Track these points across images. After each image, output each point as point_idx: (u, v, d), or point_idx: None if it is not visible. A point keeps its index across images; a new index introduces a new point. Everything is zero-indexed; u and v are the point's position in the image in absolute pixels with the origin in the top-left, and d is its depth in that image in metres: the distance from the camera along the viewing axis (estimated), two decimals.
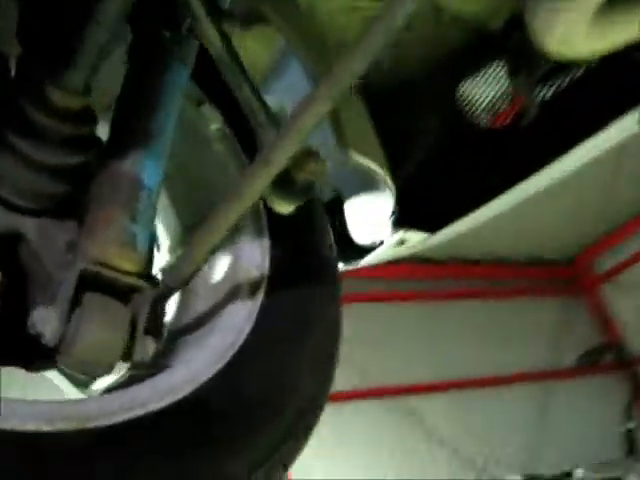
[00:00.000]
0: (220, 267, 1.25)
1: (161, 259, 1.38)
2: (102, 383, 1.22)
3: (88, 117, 1.01)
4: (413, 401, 5.53)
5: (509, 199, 1.50)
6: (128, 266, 0.97)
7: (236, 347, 1.05)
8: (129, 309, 0.95)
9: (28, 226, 1.03)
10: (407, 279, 5.74)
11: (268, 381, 1.04)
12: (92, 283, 0.94)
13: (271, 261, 1.20)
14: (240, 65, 1.00)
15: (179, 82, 1.11)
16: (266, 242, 1.22)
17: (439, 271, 5.90)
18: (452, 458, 5.44)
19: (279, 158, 0.87)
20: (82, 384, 1.21)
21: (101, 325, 0.92)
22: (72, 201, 1.04)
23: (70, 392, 1.21)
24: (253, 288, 1.15)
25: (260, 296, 1.14)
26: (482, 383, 5.75)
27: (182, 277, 0.99)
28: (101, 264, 0.95)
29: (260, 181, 0.90)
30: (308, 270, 1.24)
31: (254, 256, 1.21)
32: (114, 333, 0.92)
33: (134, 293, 0.97)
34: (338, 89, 0.83)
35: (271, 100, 1.68)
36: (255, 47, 1.62)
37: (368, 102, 1.62)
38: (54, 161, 1.00)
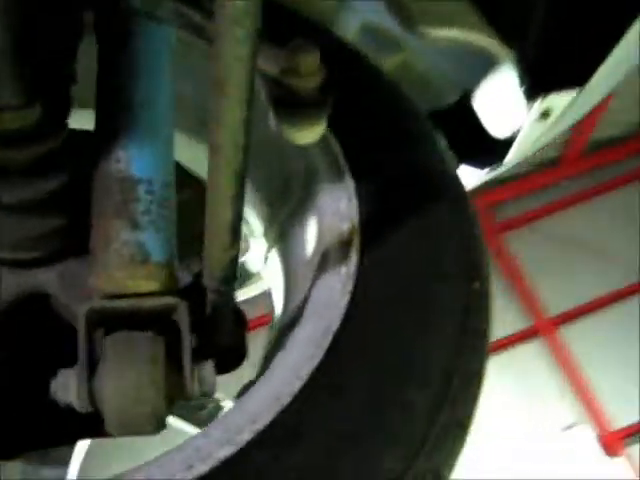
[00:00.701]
0: (309, 236, 1.00)
1: (259, 247, 1.15)
2: None
3: (44, 131, 0.79)
4: None
5: None
6: (145, 285, 0.75)
7: (329, 336, 0.77)
8: (162, 337, 0.73)
9: (45, 279, 0.85)
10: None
11: (381, 377, 0.75)
12: (110, 321, 0.74)
13: (360, 205, 0.93)
14: None
15: (159, 43, 0.87)
16: (349, 182, 0.94)
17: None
18: None
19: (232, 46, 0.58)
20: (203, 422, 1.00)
21: (129, 369, 0.70)
22: (79, 231, 0.84)
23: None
24: (343, 247, 0.87)
25: (354, 255, 0.86)
26: None
27: (215, 273, 0.74)
28: (109, 296, 0.74)
29: (230, 95, 0.61)
30: (415, 201, 0.94)
31: (337, 206, 0.92)
32: (148, 372, 0.70)
33: (168, 314, 0.75)
34: None
35: (352, 18, 1.41)
36: None
37: None
38: (26, 195, 0.80)
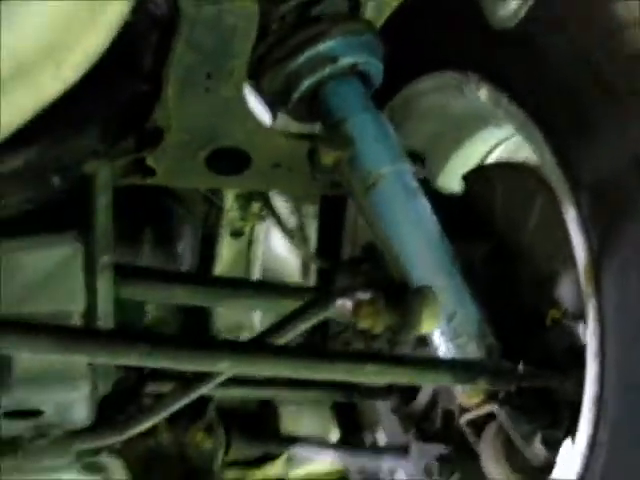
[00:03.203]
0: None
1: None
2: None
3: None
4: None
5: None
6: (475, 399, 1.13)
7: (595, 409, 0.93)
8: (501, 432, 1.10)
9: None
10: None
11: None
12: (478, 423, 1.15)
13: (589, 234, 0.94)
14: None
15: None
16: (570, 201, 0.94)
17: None
18: None
19: None
20: None
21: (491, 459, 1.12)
22: None
23: None
24: (583, 291, 0.97)
25: (592, 300, 0.92)
26: None
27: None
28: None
29: None
30: None
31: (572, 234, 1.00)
32: (499, 461, 1.09)
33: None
34: None
35: None
36: None
37: None
38: None
